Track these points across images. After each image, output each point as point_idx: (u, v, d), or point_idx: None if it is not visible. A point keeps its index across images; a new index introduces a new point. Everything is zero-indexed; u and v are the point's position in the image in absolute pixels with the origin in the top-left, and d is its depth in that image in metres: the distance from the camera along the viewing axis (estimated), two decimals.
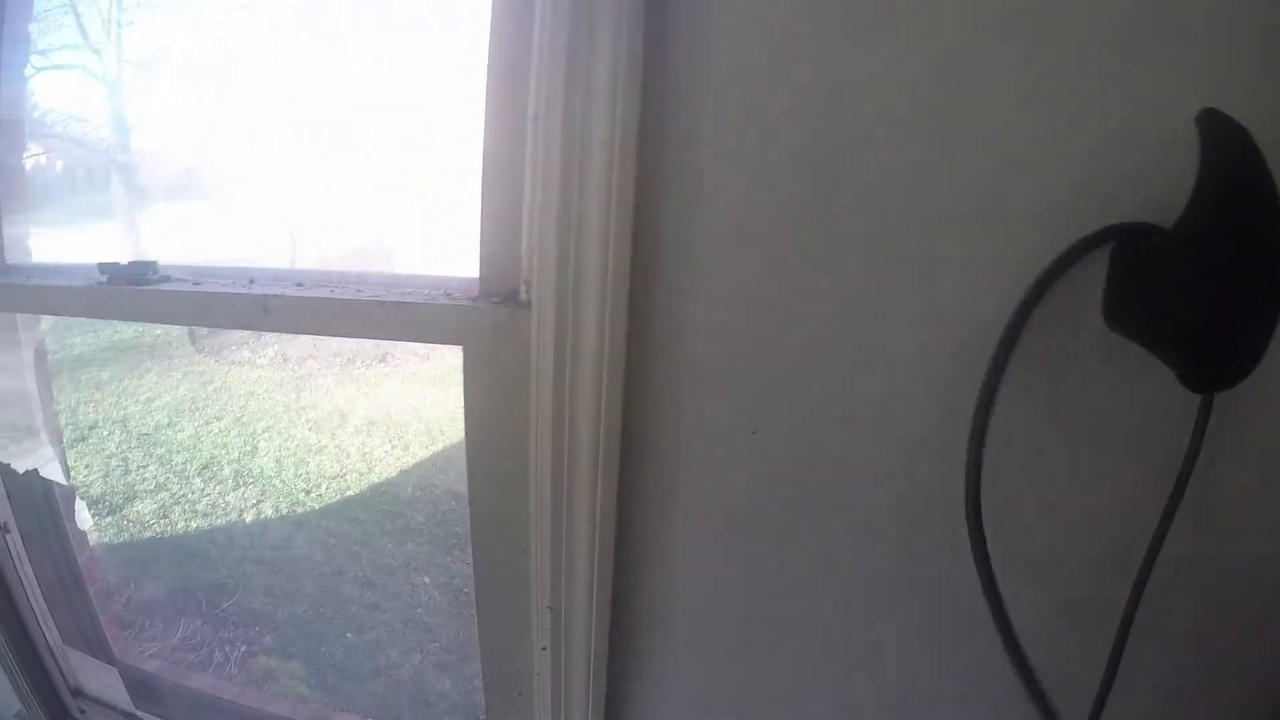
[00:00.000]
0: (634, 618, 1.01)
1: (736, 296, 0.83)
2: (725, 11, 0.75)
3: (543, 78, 0.78)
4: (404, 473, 5.36)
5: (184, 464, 5.71)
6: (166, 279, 1.21)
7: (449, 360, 6.68)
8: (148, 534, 4.85)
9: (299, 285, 1.08)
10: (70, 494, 1.89)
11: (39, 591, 1.78)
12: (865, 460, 0.86)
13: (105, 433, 6.17)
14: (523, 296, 0.89)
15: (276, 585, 4.41)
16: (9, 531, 1.69)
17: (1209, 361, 0.67)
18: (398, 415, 6.05)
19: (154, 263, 1.22)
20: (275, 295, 1.02)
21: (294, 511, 5.09)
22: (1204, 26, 0.65)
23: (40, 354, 1.81)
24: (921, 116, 0.73)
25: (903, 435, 0.84)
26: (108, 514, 4.96)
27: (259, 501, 5.20)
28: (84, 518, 1.92)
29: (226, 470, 5.59)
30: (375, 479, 5.33)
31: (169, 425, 6.35)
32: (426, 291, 0.98)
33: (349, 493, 5.23)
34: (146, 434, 6.17)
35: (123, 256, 1.23)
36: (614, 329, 0.81)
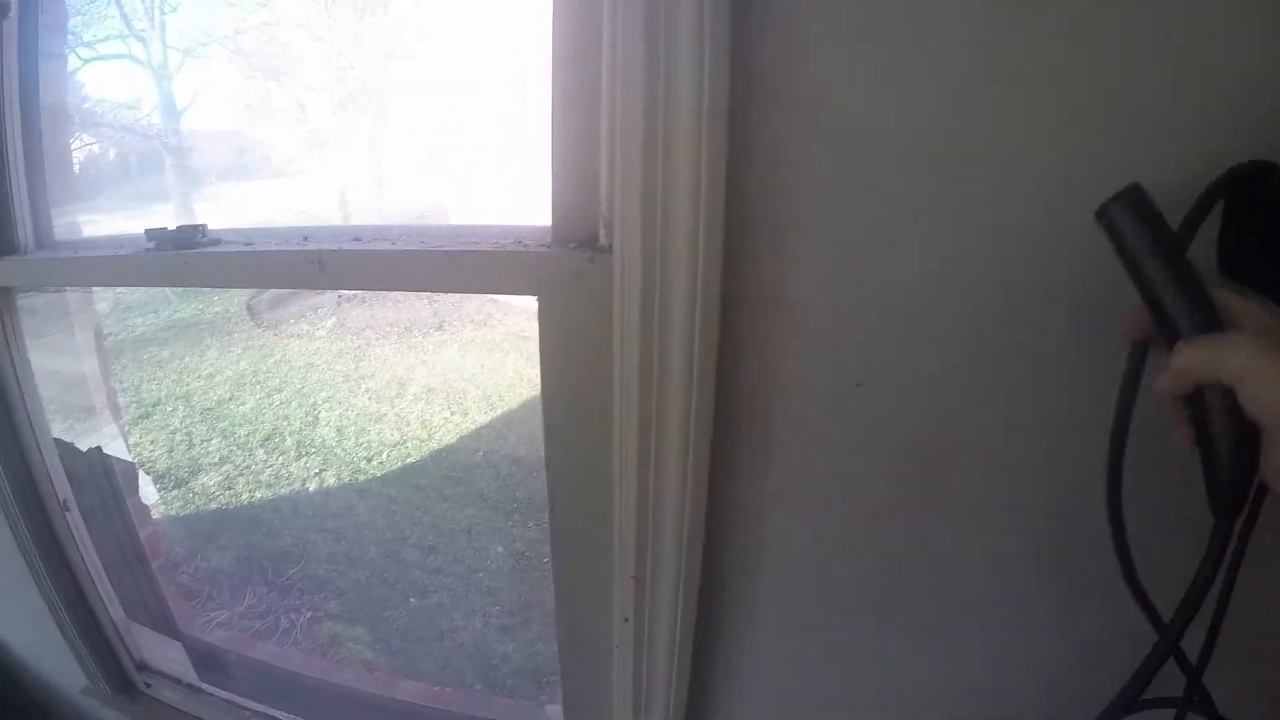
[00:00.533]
0: (722, 588, 0.94)
1: (844, 237, 0.74)
2: None
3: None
4: (464, 439, 5.37)
5: (247, 436, 5.79)
6: (217, 241, 1.17)
7: (506, 326, 6.70)
8: (213, 506, 4.92)
9: (356, 240, 1.02)
10: (132, 470, 1.89)
11: (101, 568, 1.79)
12: (978, 420, 0.77)
13: (169, 409, 6.29)
14: (602, 241, 0.81)
15: (340, 552, 4.46)
16: (69, 509, 1.69)
17: None
18: (456, 382, 6.05)
19: (202, 225, 1.17)
20: (333, 250, 0.96)
21: (356, 479, 5.13)
22: None
23: (98, 335, 1.81)
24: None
25: (1023, 393, 0.75)
26: (174, 488, 5.04)
27: (321, 470, 5.25)
28: (149, 492, 1.93)
29: (289, 441, 5.66)
30: (435, 445, 5.34)
31: (231, 399, 6.45)
32: (495, 240, 0.91)
33: (409, 460, 5.25)
34: (209, 408, 6.27)
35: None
36: (708, 273, 0.73)
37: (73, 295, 1.74)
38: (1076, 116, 0.65)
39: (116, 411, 1.88)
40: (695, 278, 0.73)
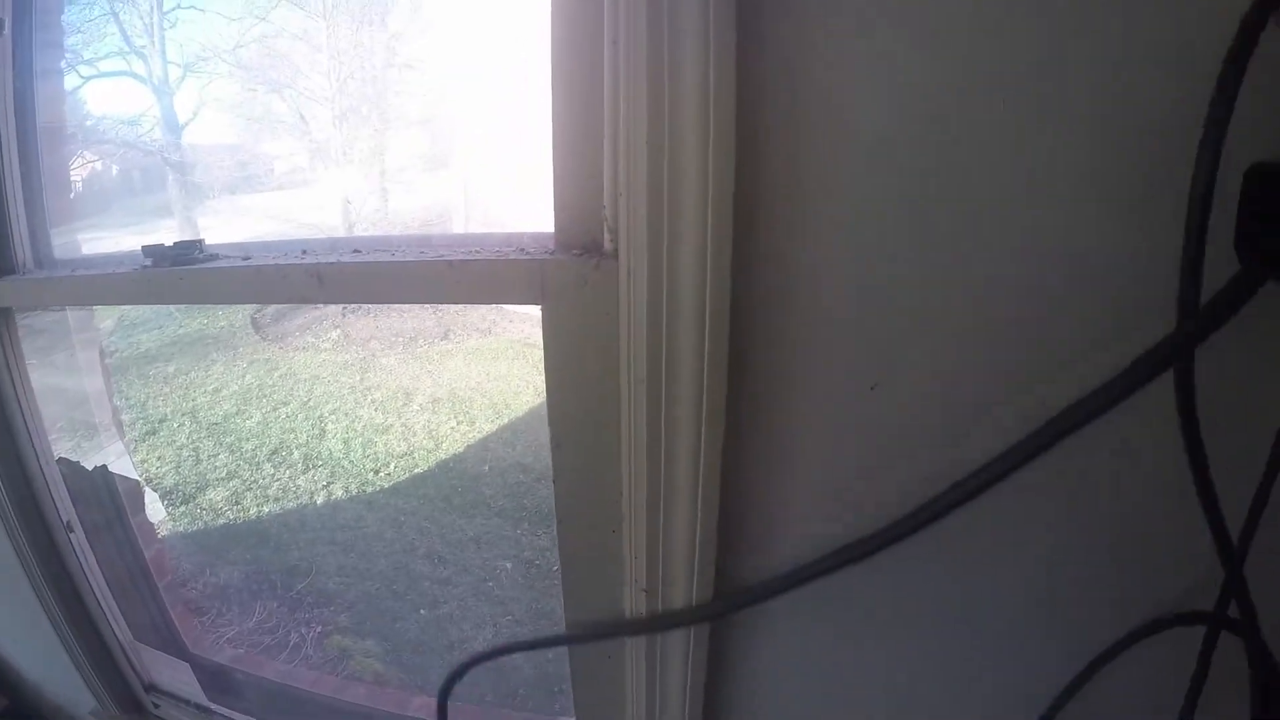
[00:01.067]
0: (736, 596, 0.92)
1: (855, 238, 0.72)
2: None
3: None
4: (471, 448, 5.37)
5: (254, 451, 5.81)
6: (214, 257, 1.15)
7: (511, 333, 6.71)
8: (221, 521, 4.93)
9: (355, 252, 1.00)
10: (137, 488, 1.87)
11: (107, 588, 1.77)
12: (995, 418, 0.75)
13: (175, 425, 6.30)
14: (606, 246, 0.78)
15: (349, 565, 4.46)
16: (73, 530, 1.68)
17: None
18: (462, 391, 6.06)
19: (199, 241, 1.16)
20: (330, 264, 0.94)
21: (363, 491, 5.15)
22: None
23: (101, 352, 1.80)
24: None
25: (1037, 394, 0.73)
26: (181, 503, 5.05)
27: (329, 483, 5.26)
28: (155, 509, 1.92)
29: (296, 454, 5.67)
30: (442, 455, 5.35)
31: (237, 414, 6.47)
32: (497, 249, 0.88)
33: (417, 470, 5.26)
34: (216, 423, 6.29)
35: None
36: (717, 276, 0.71)
37: (74, 313, 1.73)
38: (1093, 111, 0.63)
39: (121, 429, 1.87)
40: (704, 282, 0.71)
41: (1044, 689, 0.88)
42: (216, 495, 5.16)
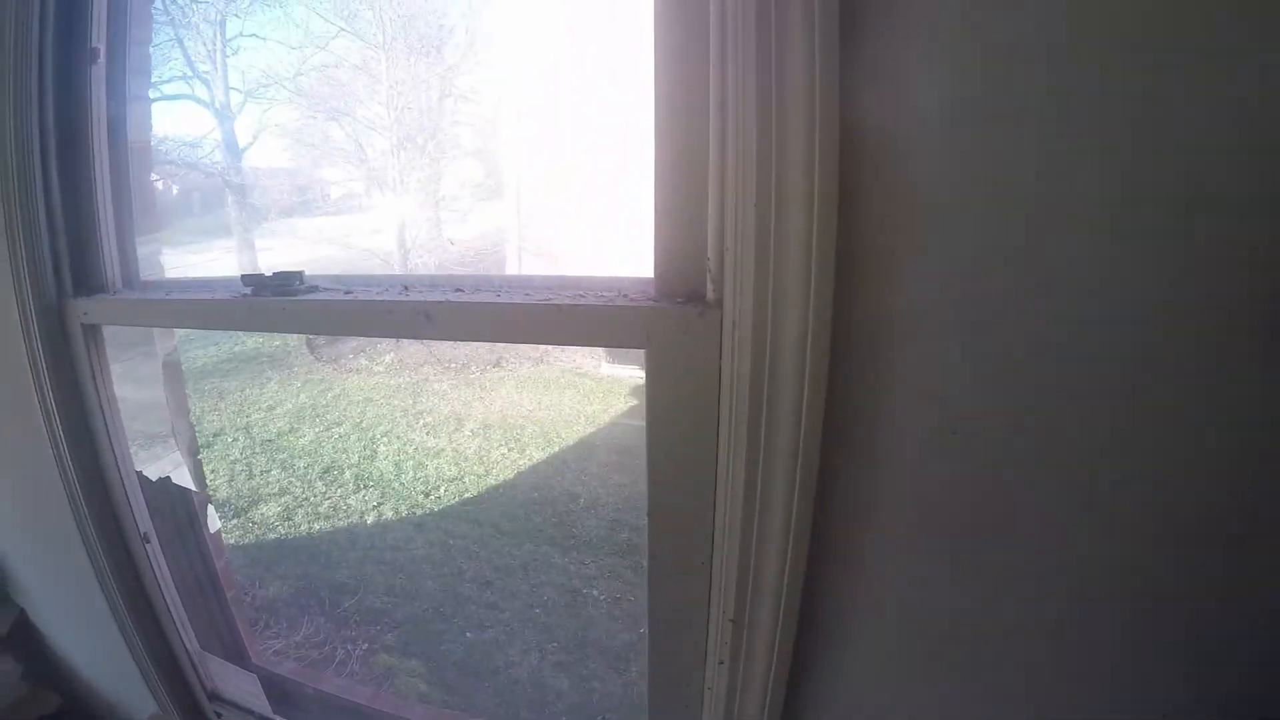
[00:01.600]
0: (818, 630, 0.95)
1: (941, 290, 0.76)
2: None
3: (729, 57, 0.73)
4: (520, 475, 5.42)
5: (306, 468, 5.93)
6: (314, 289, 1.21)
7: (563, 362, 6.75)
8: (272, 536, 5.01)
9: (458, 291, 1.06)
10: (204, 501, 1.92)
11: (178, 597, 1.82)
12: (1065, 464, 0.78)
13: (230, 439, 6.44)
14: (709, 295, 0.84)
15: (397, 585, 4.52)
16: (149, 541, 1.73)
17: None
18: (513, 418, 6.12)
19: (300, 273, 1.22)
20: (438, 302, 0.99)
21: (413, 513, 5.22)
22: None
23: (173, 365, 1.85)
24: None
25: (1105, 439, 0.76)
26: (233, 517, 5.16)
27: (379, 504, 5.35)
28: (213, 521, 1.96)
29: (347, 474, 5.78)
30: (492, 481, 5.41)
31: (290, 431, 6.61)
32: (600, 294, 0.94)
33: (467, 495, 5.32)
34: (269, 440, 6.43)
35: (241, 271, 1.23)
36: (818, 326, 0.76)
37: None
38: (1179, 146, 0.67)
39: (191, 442, 1.92)
40: (806, 333, 0.76)
41: None
42: (268, 510, 5.27)
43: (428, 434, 6.17)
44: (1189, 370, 0.71)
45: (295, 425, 6.67)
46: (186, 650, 1.85)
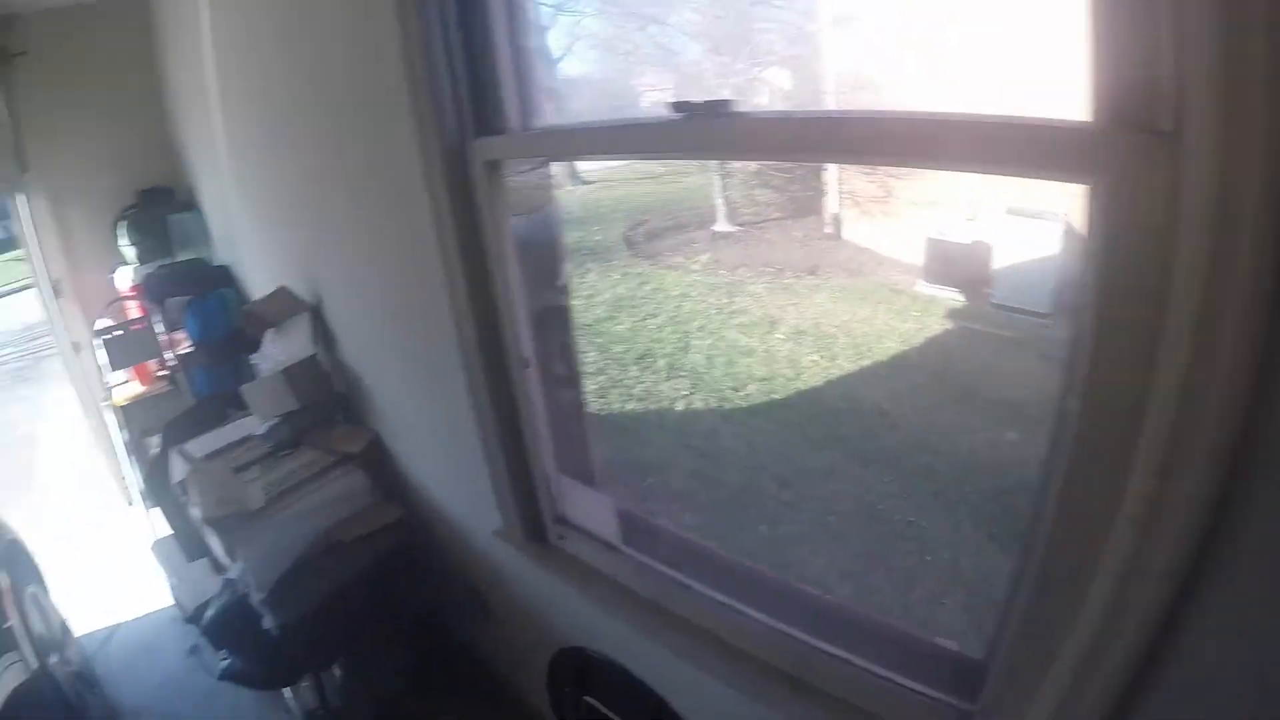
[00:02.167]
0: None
1: None
2: None
3: None
4: (830, 383, 5.38)
5: (622, 353, 6.30)
6: (743, 115, 1.21)
7: (879, 276, 6.57)
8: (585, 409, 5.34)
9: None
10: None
11: (546, 420, 1.97)
12: None
13: None
14: (1164, 126, 0.71)
15: (702, 469, 4.72)
16: (528, 366, 1.88)
17: None
18: (826, 327, 6.04)
19: (729, 100, 1.21)
20: (864, 118, 0.97)
21: (722, 407, 5.38)
22: None
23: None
24: None
25: None
26: None
27: (690, 393, 5.57)
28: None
29: (660, 363, 6.07)
30: (801, 385, 5.42)
31: (608, 319, 7.02)
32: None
33: (775, 396, 5.38)
34: (588, 324, 6.86)
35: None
36: None
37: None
38: None
39: (570, 281, 2.00)
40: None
41: None
42: (585, 386, 5.61)
43: (740, 333, 6.28)
44: None
45: (613, 313, 7.07)
46: (545, 472, 2.00)
